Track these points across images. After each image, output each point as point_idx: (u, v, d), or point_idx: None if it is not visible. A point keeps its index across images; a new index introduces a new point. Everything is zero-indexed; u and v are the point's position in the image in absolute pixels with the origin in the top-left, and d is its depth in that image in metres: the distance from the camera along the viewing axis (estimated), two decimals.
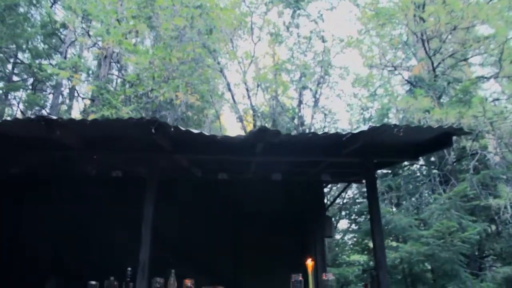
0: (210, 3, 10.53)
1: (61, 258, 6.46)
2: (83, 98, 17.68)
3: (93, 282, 4.27)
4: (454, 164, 11.31)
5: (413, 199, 11.44)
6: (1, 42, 13.51)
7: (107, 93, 12.23)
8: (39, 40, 16.69)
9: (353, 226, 13.61)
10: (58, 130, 4.18)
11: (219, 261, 6.69)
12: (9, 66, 18.56)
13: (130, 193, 6.88)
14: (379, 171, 12.38)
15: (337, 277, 9.91)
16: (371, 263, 12.58)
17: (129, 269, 4.46)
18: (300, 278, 4.28)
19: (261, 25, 13.32)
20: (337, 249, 13.64)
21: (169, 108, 12.72)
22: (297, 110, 13.74)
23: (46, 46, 17.54)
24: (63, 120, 4.15)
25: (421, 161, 12.10)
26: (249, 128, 13.26)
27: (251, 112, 13.58)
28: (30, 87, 18.52)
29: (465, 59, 12.57)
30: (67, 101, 17.76)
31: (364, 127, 4.09)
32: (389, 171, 12.15)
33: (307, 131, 12.22)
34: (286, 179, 6.92)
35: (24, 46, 15.49)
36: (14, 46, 15.40)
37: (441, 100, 11.17)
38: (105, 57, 15.25)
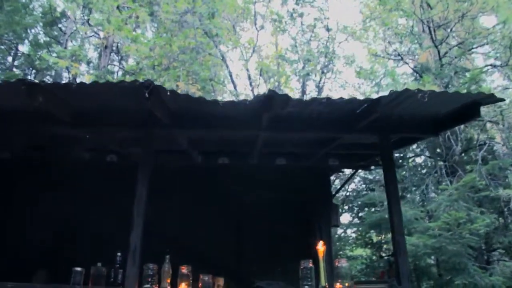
0: None
1: (51, 248, 5.91)
2: None
3: (78, 269, 3.72)
4: (462, 155, 10.76)
5: (417, 192, 10.87)
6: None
7: None
8: (39, 30, 16.16)
9: (356, 220, 13.05)
10: (41, 96, 3.63)
11: (221, 251, 6.13)
12: (9, 59, 18.06)
13: (125, 181, 6.42)
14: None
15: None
16: (374, 257, 12.05)
17: (119, 254, 3.92)
18: (310, 265, 3.73)
19: (264, 13, 12.77)
20: (337, 243, 13.09)
21: None
22: None
23: (47, 39, 17.00)
24: (45, 83, 3.61)
25: (427, 153, 11.55)
26: None
27: None
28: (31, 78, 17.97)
29: (472, 48, 12.00)
30: None
31: (384, 93, 3.53)
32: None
33: None
34: (290, 165, 6.35)
35: (24, 35, 14.95)
36: (13, 35, 14.87)
37: (448, 90, 10.61)
38: (106, 47, 14.71)
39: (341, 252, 12.60)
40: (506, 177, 10.15)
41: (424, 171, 11.81)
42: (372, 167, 7.11)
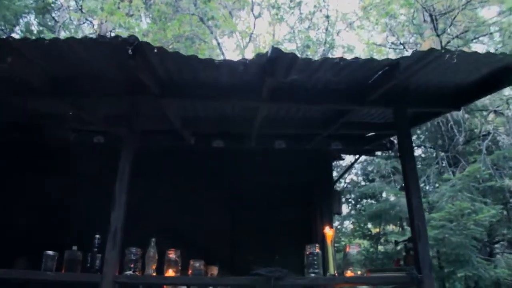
0: None
1: (33, 233, 5.33)
2: None
3: (50, 253, 3.17)
4: (464, 145, 10.26)
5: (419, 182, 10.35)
6: None
7: None
8: (31, 18, 15.48)
9: (353, 212, 12.51)
10: (9, 55, 3.06)
11: (215, 239, 5.57)
12: None
13: (114, 164, 5.88)
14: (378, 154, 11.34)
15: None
16: (372, 249, 11.54)
17: (97, 236, 3.35)
18: (317, 250, 3.19)
19: (261, 1, 12.20)
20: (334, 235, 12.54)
21: None
22: None
23: (40, 28, 16.33)
24: (14, 39, 3.03)
25: (427, 144, 11.05)
26: None
27: None
28: None
29: (475, 38, 11.50)
30: None
31: (407, 53, 2.98)
32: (392, 153, 11.06)
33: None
34: (290, 149, 5.80)
35: (15, 23, 14.27)
36: (4, 24, 14.20)
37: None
38: (99, 36, 14.08)
39: (337, 245, 12.06)
40: (511, 167, 9.65)
41: (425, 162, 11.27)
42: (377, 153, 6.59)
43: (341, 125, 4.74)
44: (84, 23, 14.81)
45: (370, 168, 11.59)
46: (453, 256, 8.73)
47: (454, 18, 10.77)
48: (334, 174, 11.95)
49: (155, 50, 2.98)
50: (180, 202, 5.70)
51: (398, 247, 7.57)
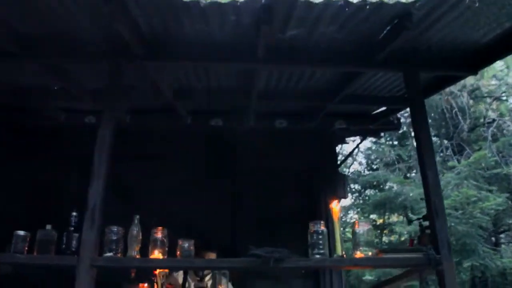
0: None
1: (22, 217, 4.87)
2: None
3: (21, 233, 2.71)
4: (469, 132, 9.75)
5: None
6: None
7: None
8: None
9: (358, 201, 12.01)
10: None
11: (214, 224, 5.08)
12: None
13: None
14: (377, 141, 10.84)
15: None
16: (376, 240, 11.05)
17: (74, 213, 2.88)
18: (323, 228, 2.72)
19: None
20: None
21: None
22: None
23: None
24: None
25: (432, 132, 10.53)
26: None
27: None
28: None
29: None
30: None
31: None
32: (395, 141, 10.59)
33: None
34: (292, 129, 5.33)
35: None
36: None
37: None
38: None
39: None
40: None
41: None
42: (382, 134, 6.12)
43: (346, 98, 4.29)
44: None
45: (373, 156, 11.09)
46: (459, 245, 8.26)
47: None
48: (338, 159, 11.51)
49: None
50: (178, 186, 5.24)
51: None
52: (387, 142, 10.48)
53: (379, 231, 10.74)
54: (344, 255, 2.70)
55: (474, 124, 9.96)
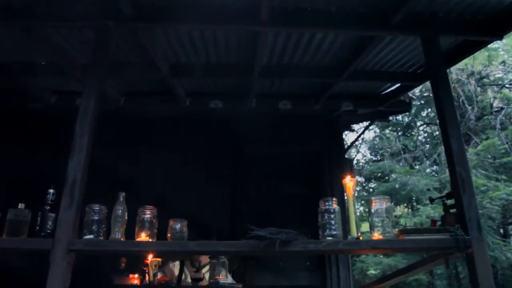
0: None
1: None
2: None
3: None
4: (477, 121, 9.34)
5: (429, 161, 9.44)
6: None
7: None
8: None
9: (360, 194, 11.59)
10: None
11: (214, 212, 4.72)
12: None
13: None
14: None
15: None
16: None
17: (51, 190, 2.47)
18: (335, 205, 2.33)
19: None
20: None
21: None
22: None
23: None
24: None
25: (437, 121, 10.11)
26: None
27: None
28: None
29: None
30: None
31: None
32: (400, 132, 10.16)
33: None
34: (296, 112, 4.96)
35: None
36: None
37: None
38: None
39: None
40: None
41: (434, 141, 10.34)
42: (391, 118, 5.72)
43: (355, 74, 3.90)
44: None
45: (378, 146, 10.66)
46: None
47: None
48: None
49: None
50: (176, 172, 4.89)
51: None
52: (392, 133, 10.08)
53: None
54: (361, 237, 2.30)
55: (481, 113, 9.54)
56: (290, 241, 2.18)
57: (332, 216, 2.31)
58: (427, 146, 9.97)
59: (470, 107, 8.73)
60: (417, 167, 10.09)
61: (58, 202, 2.30)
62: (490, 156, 8.35)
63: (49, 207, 2.39)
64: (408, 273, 2.72)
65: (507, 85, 8.99)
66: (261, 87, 4.38)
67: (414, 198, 8.99)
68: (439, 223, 2.59)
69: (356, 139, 5.79)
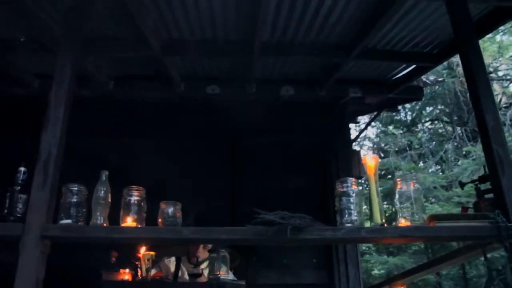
0: None
1: None
2: None
3: None
4: None
5: (435, 159, 9.13)
6: None
7: None
8: None
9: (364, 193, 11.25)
10: None
11: (213, 208, 4.37)
12: None
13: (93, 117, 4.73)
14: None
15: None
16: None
17: (22, 169, 2.10)
18: (354, 187, 2.00)
19: None
20: None
21: None
22: None
23: None
24: None
25: (444, 117, 9.83)
26: None
27: None
28: None
29: None
30: None
31: None
32: (405, 129, 9.86)
33: None
34: (299, 100, 4.65)
35: None
36: None
37: None
38: None
39: None
40: None
41: (441, 138, 10.04)
42: (400, 107, 5.41)
43: (365, 53, 3.58)
44: None
45: (383, 144, 10.35)
46: None
47: None
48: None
49: None
50: (171, 163, 4.55)
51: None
52: (396, 130, 9.80)
53: (388, 222, 9.99)
54: (385, 223, 1.98)
55: None
56: (303, 227, 1.85)
57: (351, 199, 1.98)
58: (433, 143, 9.66)
59: None
60: (421, 164, 9.78)
61: (30, 182, 1.98)
62: None
63: (19, 188, 2.03)
64: (437, 266, 2.38)
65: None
66: (262, 71, 4.06)
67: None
68: (471, 210, 2.27)
69: (366, 127, 5.47)
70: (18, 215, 1.96)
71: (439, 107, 9.68)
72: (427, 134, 9.94)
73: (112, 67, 4.03)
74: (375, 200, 1.97)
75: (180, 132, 4.74)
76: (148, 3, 2.89)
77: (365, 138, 9.72)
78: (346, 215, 1.95)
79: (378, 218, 1.95)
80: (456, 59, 7.91)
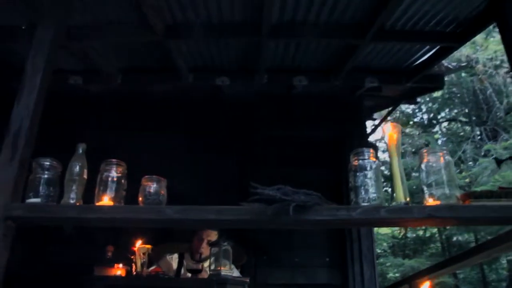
0: None
1: None
2: None
3: None
4: (506, 115, 8.46)
5: (453, 158, 8.58)
6: None
7: None
8: None
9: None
10: None
11: (218, 203, 4.01)
12: None
13: (94, 112, 4.53)
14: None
15: None
16: (401, 235, 9.75)
17: None
18: (372, 158, 1.62)
19: None
20: None
21: None
22: None
23: None
24: None
25: (462, 118, 9.28)
26: None
27: None
28: None
29: None
30: None
31: None
32: (422, 130, 9.33)
33: None
34: (313, 92, 4.31)
35: None
36: None
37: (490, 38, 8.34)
38: None
39: None
40: None
41: (459, 139, 9.48)
42: (419, 99, 4.98)
43: (382, 33, 3.20)
44: None
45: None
46: None
47: None
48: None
49: None
50: (176, 159, 4.24)
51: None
52: (414, 130, 9.30)
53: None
54: (410, 201, 1.58)
55: (510, 108, 8.66)
56: (311, 205, 1.47)
57: (368, 174, 1.59)
58: (450, 145, 9.10)
59: (499, 100, 7.87)
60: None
61: None
62: None
63: None
64: (474, 257, 1.94)
65: None
66: (272, 58, 3.73)
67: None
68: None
69: (383, 120, 5.03)
70: None
71: (457, 107, 9.14)
72: (443, 134, 9.39)
73: (119, 60, 3.79)
74: (397, 175, 1.58)
75: (189, 125, 4.46)
76: None
77: (381, 140, 9.25)
78: (363, 192, 1.56)
79: (401, 197, 1.56)
80: (475, 55, 7.43)
